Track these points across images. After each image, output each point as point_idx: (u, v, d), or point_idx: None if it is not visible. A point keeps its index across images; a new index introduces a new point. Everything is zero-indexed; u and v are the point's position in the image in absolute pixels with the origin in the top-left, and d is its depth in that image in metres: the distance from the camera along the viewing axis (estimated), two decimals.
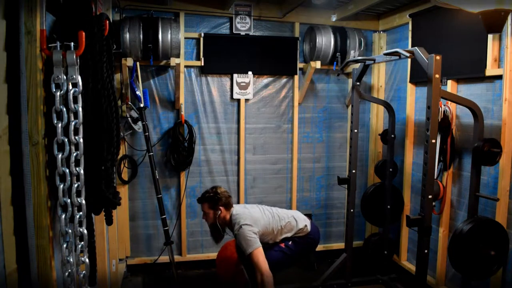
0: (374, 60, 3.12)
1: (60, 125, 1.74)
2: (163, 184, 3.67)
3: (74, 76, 1.76)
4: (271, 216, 2.85)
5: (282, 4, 3.68)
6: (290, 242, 2.86)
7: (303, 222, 2.92)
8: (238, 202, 3.89)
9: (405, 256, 3.74)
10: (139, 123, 3.43)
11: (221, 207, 2.80)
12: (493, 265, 2.46)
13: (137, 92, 3.35)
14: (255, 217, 2.75)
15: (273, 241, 2.86)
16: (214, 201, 2.80)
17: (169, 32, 3.28)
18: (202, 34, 3.60)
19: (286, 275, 3.70)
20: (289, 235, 2.87)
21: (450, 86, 3.03)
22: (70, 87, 1.76)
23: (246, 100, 3.83)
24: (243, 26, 3.70)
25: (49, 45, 1.74)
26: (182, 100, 3.61)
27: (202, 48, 3.61)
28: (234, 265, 3.20)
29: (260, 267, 2.54)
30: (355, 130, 3.38)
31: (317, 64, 3.68)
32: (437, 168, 3.04)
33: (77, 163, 1.80)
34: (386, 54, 2.76)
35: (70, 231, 1.81)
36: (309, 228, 2.91)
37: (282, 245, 2.85)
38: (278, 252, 2.82)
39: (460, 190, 3.04)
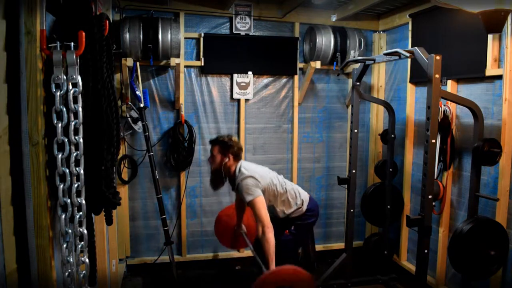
0: (374, 60, 3.12)
1: (60, 125, 1.74)
2: (163, 184, 3.67)
3: (74, 76, 1.76)
4: (276, 177, 2.81)
5: (282, 4, 3.69)
6: (292, 227, 2.86)
7: (304, 194, 2.90)
8: None
9: (405, 256, 3.74)
10: (139, 123, 3.43)
11: (230, 155, 2.73)
12: (493, 265, 2.46)
13: (137, 92, 3.35)
14: (260, 173, 2.70)
15: (278, 208, 2.82)
16: (226, 146, 2.73)
17: (169, 32, 3.28)
18: (202, 34, 3.60)
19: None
20: (290, 210, 2.83)
21: (450, 86, 3.03)
22: (70, 87, 1.76)
23: (246, 100, 3.83)
24: (243, 26, 3.70)
25: (49, 45, 1.74)
26: (182, 100, 3.61)
27: (202, 48, 3.61)
28: (233, 229, 3.18)
29: (261, 217, 2.50)
30: (355, 130, 3.38)
31: (317, 64, 3.68)
32: (437, 168, 3.04)
33: (77, 163, 1.79)
34: (386, 54, 2.76)
35: (70, 231, 1.81)
36: (306, 206, 2.88)
37: (286, 232, 2.85)
38: (283, 240, 2.80)
39: (460, 190, 3.04)
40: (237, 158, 2.77)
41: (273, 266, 2.44)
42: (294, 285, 2.31)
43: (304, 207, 2.87)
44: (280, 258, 2.63)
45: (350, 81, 4.03)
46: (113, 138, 1.99)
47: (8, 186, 1.66)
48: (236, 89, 3.77)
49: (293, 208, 2.85)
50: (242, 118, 3.81)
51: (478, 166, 2.58)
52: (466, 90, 2.97)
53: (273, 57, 3.80)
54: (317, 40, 3.63)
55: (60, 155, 1.75)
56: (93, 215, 2.05)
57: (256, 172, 2.68)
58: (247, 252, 3.93)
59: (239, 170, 2.70)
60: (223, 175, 2.77)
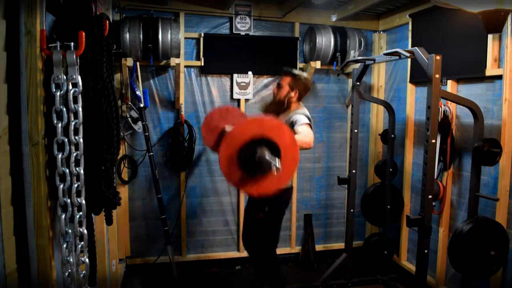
0: (374, 60, 3.12)
1: (60, 125, 1.74)
2: (163, 184, 3.67)
3: (74, 76, 1.76)
4: None
5: (282, 4, 3.69)
6: (266, 208, 2.67)
7: None
8: (238, 203, 3.90)
9: (405, 256, 3.74)
10: (139, 123, 3.43)
11: (298, 90, 2.69)
12: (493, 265, 2.46)
13: (137, 92, 3.35)
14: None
15: None
16: (299, 82, 2.68)
17: (169, 32, 3.28)
18: (202, 34, 3.60)
19: (286, 275, 3.70)
20: None
21: (450, 86, 3.03)
22: (70, 87, 1.76)
23: (246, 100, 3.83)
24: (243, 26, 3.70)
25: (49, 45, 1.74)
26: (182, 100, 3.61)
27: (202, 48, 3.61)
28: (220, 129, 2.87)
29: (308, 138, 2.38)
30: (355, 130, 3.38)
31: (317, 64, 3.68)
32: (437, 168, 3.04)
33: (77, 163, 1.79)
34: (386, 54, 2.76)
35: (70, 231, 1.81)
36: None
37: (261, 215, 2.69)
38: (257, 222, 2.70)
39: (460, 190, 3.04)
40: (301, 98, 2.73)
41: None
42: (275, 140, 1.99)
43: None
44: (254, 239, 2.58)
45: (350, 81, 4.03)
46: (113, 138, 1.99)
47: (8, 186, 1.66)
48: (236, 89, 3.77)
49: None
50: None
51: (478, 166, 2.58)
52: (466, 90, 2.97)
53: (273, 57, 3.80)
54: (317, 40, 3.63)
55: (60, 155, 1.75)
56: (93, 215, 2.06)
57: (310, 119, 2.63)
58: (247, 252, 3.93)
59: (301, 112, 2.62)
60: (282, 107, 2.70)
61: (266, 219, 2.69)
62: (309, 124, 2.55)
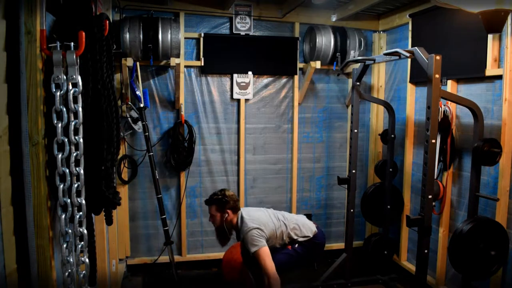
0: (374, 60, 3.12)
1: (60, 125, 1.74)
2: (163, 184, 3.67)
3: (74, 76, 1.76)
4: (277, 221, 2.84)
5: (282, 4, 3.68)
6: (296, 245, 2.86)
7: (308, 228, 2.90)
8: None
9: (405, 256, 3.74)
10: (139, 123, 3.43)
11: (228, 210, 2.79)
12: (493, 265, 2.46)
13: (137, 92, 3.35)
14: (263, 221, 2.75)
15: (280, 245, 2.85)
16: (222, 203, 2.79)
17: (169, 32, 3.28)
18: (202, 34, 3.60)
19: (286, 275, 3.70)
20: (295, 238, 2.86)
21: (450, 86, 3.03)
22: (70, 87, 1.76)
23: (246, 100, 3.83)
24: (243, 26, 3.70)
25: (49, 45, 1.74)
26: (182, 100, 3.61)
27: (202, 48, 3.61)
28: (240, 266, 3.20)
29: (266, 268, 2.53)
30: (355, 130, 3.38)
31: (317, 64, 3.68)
32: (437, 168, 3.04)
33: (77, 163, 1.79)
34: (386, 54, 2.76)
35: (70, 231, 1.81)
36: (311, 234, 2.89)
37: (289, 247, 2.85)
38: (285, 255, 2.81)
39: (460, 190, 3.04)
40: (235, 210, 2.83)
41: None
42: None
43: (310, 235, 2.88)
44: (280, 270, 2.65)
45: (350, 81, 4.03)
46: (113, 138, 1.99)
47: (8, 186, 1.65)
48: (236, 89, 3.77)
49: (299, 236, 2.86)
50: (242, 118, 3.81)
51: (478, 166, 2.58)
52: (466, 90, 2.97)
53: (273, 57, 3.80)
54: (317, 40, 3.63)
55: (60, 155, 1.75)
56: (93, 215, 2.05)
57: (258, 220, 2.72)
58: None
59: (241, 220, 2.75)
60: (226, 231, 2.82)
61: (293, 253, 2.85)
62: (260, 236, 2.63)
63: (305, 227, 2.89)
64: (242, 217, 2.76)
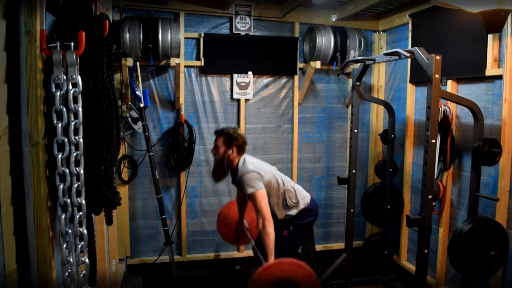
0: (374, 60, 3.12)
1: (60, 125, 1.74)
2: (163, 184, 3.67)
3: (74, 76, 1.76)
4: (277, 177, 2.79)
5: (282, 4, 3.69)
6: (291, 227, 2.81)
7: (302, 197, 2.85)
8: None
9: (405, 256, 3.74)
10: (139, 123, 3.43)
11: (234, 147, 2.71)
12: (493, 265, 2.46)
13: (137, 92, 3.35)
14: (263, 169, 2.70)
15: (274, 206, 2.78)
16: (231, 138, 2.71)
17: (169, 32, 3.28)
18: (202, 34, 3.60)
19: None
20: (290, 212, 2.80)
21: (450, 86, 3.03)
22: (70, 87, 1.76)
23: (246, 100, 3.83)
24: (243, 26, 3.70)
25: (49, 45, 1.74)
26: (182, 100, 3.61)
27: (202, 48, 3.61)
28: (235, 225, 3.18)
29: (262, 210, 2.50)
30: (355, 130, 3.38)
31: (317, 64, 3.68)
32: (437, 168, 3.04)
33: (77, 163, 1.79)
34: (386, 54, 2.76)
35: (70, 231, 1.81)
36: (303, 205, 2.83)
37: (285, 232, 2.80)
38: (282, 240, 2.75)
39: (460, 190, 3.04)
40: (241, 151, 2.75)
41: (272, 260, 2.43)
42: (295, 279, 2.22)
43: (301, 206, 2.82)
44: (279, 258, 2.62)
45: (350, 81, 4.03)
46: (113, 138, 1.99)
47: (8, 186, 1.65)
48: (236, 89, 3.77)
49: (290, 208, 2.82)
50: (242, 118, 3.81)
51: (478, 166, 2.58)
52: (466, 90, 2.97)
53: (273, 57, 3.80)
54: (317, 40, 3.63)
55: (60, 155, 1.75)
56: (93, 215, 2.06)
57: (259, 167, 2.67)
58: (247, 252, 3.92)
59: (243, 163, 2.68)
60: (225, 167, 2.75)
61: (290, 238, 2.80)
62: (255, 179, 2.59)
63: (300, 195, 2.84)
64: (244, 161, 2.70)
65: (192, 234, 3.86)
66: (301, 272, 2.22)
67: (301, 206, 2.82)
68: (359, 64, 3.35)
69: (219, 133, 2.79)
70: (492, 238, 2.44)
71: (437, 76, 2.31)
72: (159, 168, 3.66)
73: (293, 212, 2.82)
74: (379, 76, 4.03)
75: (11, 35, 1.65)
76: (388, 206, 3.56)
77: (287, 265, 2.24)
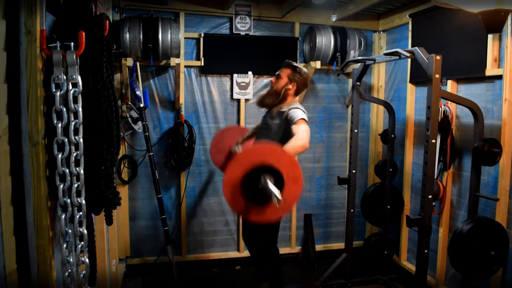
0: (374, 60, 3.12)
1: (60, 125, 1.74)
2: (163, 184, 3.67)
3: (74, 76, 1.76)
4: None
5: (282, 4, 3.69)
6: None
7: None
8: None
9: (405, 256, 3.74)
10: (139, 123, 3.43)
11: (295, 83, 2.64)
12: (493, 265, 2.46)
13: (137, 92, 3.35)
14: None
15: None
16: (298, 74, 2.63)
17: (169, 32, 3.28)
18: (202, 34, 3.60)
19: (286, 275, 3.70)
20: None
21: (450, 86, 3.03)
22: (70, 87, 1.76)
23: (246, 100, 3.83)
24: (243, 26, 3.70)
25: (49, 45, 1.74)
26: (182, 100, 3.61)
27: (202, 48, 3.61)
28: (227, 154, 3.06)
29: (304, 138, 2.31)
30: (355, 130, 3.38)
31: (317, 64, 3.68)
32: (437, 168, 3.04)
33: (77, 163, 1.79)
34: (386, 54, 2.76)
35: (70, 231, 1.81)
36: None
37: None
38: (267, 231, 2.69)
39: (460, 190, 3.04)
40: (298, 92, 2.69)
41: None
42: (277, 166, 2.01)
43: None
44: (253, 240, 2.60)
45: (350, 81, 4.03)
46: (113, 138, 1.99)
47: (8, 186, 1.66)
48: (236, 89, 3.77)
49: None
50: (242, 118, 3.81)
51: (478, 166, 2.58)
52: (466, 90, 2.97)
53: (273, 57, 3.79)
54: (317, 40, 3.63)
55: (60, 155, 1.75)
56: (93, 215, 2.06)
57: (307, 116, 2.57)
58: (247, 252, 3.92)
59: (295, 107, 2.56)
60: (278, 98, 2.65)
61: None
62: (305, 120, 2.49)
63: None
64: (298, 106, 2.60)
65: (192, 234, 3.86)
66: (284, 161, 2.06)
67: None
68: (359, 64, 3.35)
69: (288, 64, 2.70)
70: (492, 238, 2.44)
71: (437, 76, 2.31)
72: (159, 168, 3.66)
73: None
74: (379, 76, 4.03)
75: (11, 35, 1.65)
76: (388, 206, 3.56)
77: (269, 150, 2.07)
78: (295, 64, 2.72)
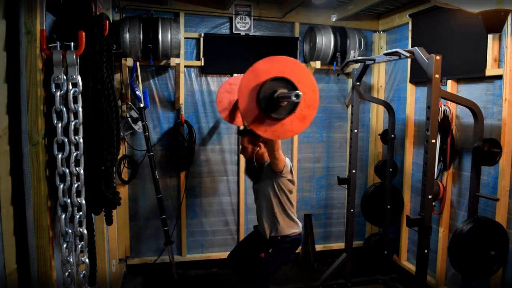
0: (374, 60, 3.12)
1: (60, 125, 1.74)
2: (163, 184, 3.67)
3: (74, 76, 1.76)
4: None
5: (282, 4, 3.69)
6: (270, 250, 2.71)
7: (296, 222, 2.80)
8: (238, 203, 3.90)
9: (405, 256, 3.74)
10: (139, 123, 3.43)
11: (261, 144, 2.72)
12: (493, 265, 2.46)
13: (137, 92, 3.35)
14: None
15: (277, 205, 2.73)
16: (256, 136, 2.68)
17: (169, 32, 3.28)
18: (202, 34, 3.60)
19: (286, 275, 3.70)
20: (286, 228, 2.72)
21: (450, 86, 3.03)
22: (70, 87, 1.76)
23: None
24: (243, 26, 3.70)
25: (49, 45, 1.74)
26: (182, 100, 3.61)
27: (202, 48, 3.61)
28: (231, 106, 3.19)
29: (279, 151, 2.48)
30: (355, 130, 3.38)
31: (317, 64, 3.68)
32: (437, 168, 3.04)
33: (77, 163, 1.80)
34: (386, 54, 2.76)
35: (70, 231, 1.81)
36: (292, 229, 2.77)
37: (262, 255, 2.69)
38: (259, 262, 2.70)
39: (460, 190, 3.04)
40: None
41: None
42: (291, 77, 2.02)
43: (297, 228, 2.77)
44: (246, 271, 2.63)
45: (350, 81, 4.03)
46: (113, 138, 1.99)
47: (8, 186, 1.66)
48: None
49: (288, 219, 2.74)
50: None
51: (478, 166, 2.58)
52: (466, 90, 2.97)
53: None
54: (317, 40, 3.63)
55: (60, 155, 1.75)
56: (93, 215, 2.06)
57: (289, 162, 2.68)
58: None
59: None
60: (255, 164, 2.76)
61: (266, 261, 2.69)
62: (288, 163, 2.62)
63: (296, 219, 2.78)
64: None
65: (192, 234, 3.86)
66: (303, 73, 2.06)
67: (297, 229, 2.77)
68: (359, 64, 3.35)
69: (242, 133, 2.81)
70: (492, 238, 2.44)
71: (437, 76, 2.31)
72: (159, 168, 3.66)
73: (288, 230, 2.73)
74: (379, 76, 4.03)
75: (11, 35, 1.65)
76: (388, 206, 3.56)
77: (289, 62, 2.10)
78: (247, 129, 2.79)
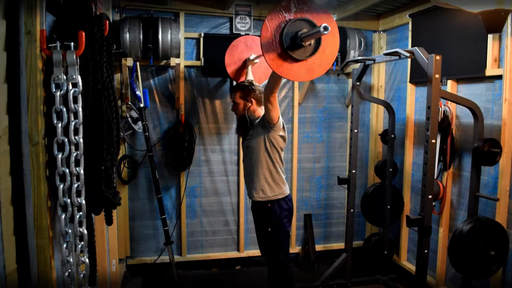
0: (374, 60, 3.12)
1: (60, 125, 1.74)
2: (163, 184, 3.67)
3: (74, 76, 1.76)
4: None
5: None
6: (269, 229, 2.63)
7: (285, 184, 2.70)
8: (238, 203, 3.90)
9: (405, 256, 3.74)
10: (139, 123, 3.43)
11: (252, 99, 2.65)
12: (493, 265, 2.46)
13: (137, 92, 3.35)
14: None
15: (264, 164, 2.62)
16: (247, 91, 2.64)
17: (169, 32, 3.28)
18: (202, 34, 3.60)
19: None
20: (271, 190, 2.61)
21: (450, 86, 3.03)
22: (70, 87, 1.76)
23: None
24: (243, 26, 3.70)
25: (49, 45, 1.75)
26: (182, 100, 3.61)
27: (202, 48, 3.61)
28: (241, 65, 3.24)
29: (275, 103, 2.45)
30: (355, 130, 3.38)
31: None
32: (437, 168, 3.04)
33: (77, 163, 1.80)
34: (386, 54, 2.76)
35: (70, 231, 1.81)
36: (287, 190, 2.69)
37: (269, 229, 2.63)
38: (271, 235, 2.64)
39: (460, 190, 3.04)
40: (260, 102, 2.69)
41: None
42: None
43: (286, 191, 2.66)
44: (267, 249, 2.61)
45: (350, 81, 4.03)
46: (113, 138, 1.99)
47: (8, 186, 1.66)
48: None
49: (274, 183, 2.62)
50: None
51: (478, 166, 2.58)
52: (466, 90, 2.97)
53: None
54: None
55: (60, 155, 1.75)
56: (93, 215, 2.06)
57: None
58: (247, 252, 3.94)
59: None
60: (248, 120, 2.68)
61: (274, 233, 2.64)
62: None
63: (284, 180, 2.68)
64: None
65: (192, 234, 3.86)
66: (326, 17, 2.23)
67: (286, 190, 2.66)
68: (359, 64, 3.35)
69: (234, 88, 2.73)
70: (492, 238, 2.44)
71: (437, 76, 2.31)
72: (159, 168, 3.66)
73: (276, 191, 2.61)
74: (379, 76, 4.02)
75: (11, 35, 1.65)
76: (388, 206, 3.56)
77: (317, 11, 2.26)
78: (239, 83, 2.76)
